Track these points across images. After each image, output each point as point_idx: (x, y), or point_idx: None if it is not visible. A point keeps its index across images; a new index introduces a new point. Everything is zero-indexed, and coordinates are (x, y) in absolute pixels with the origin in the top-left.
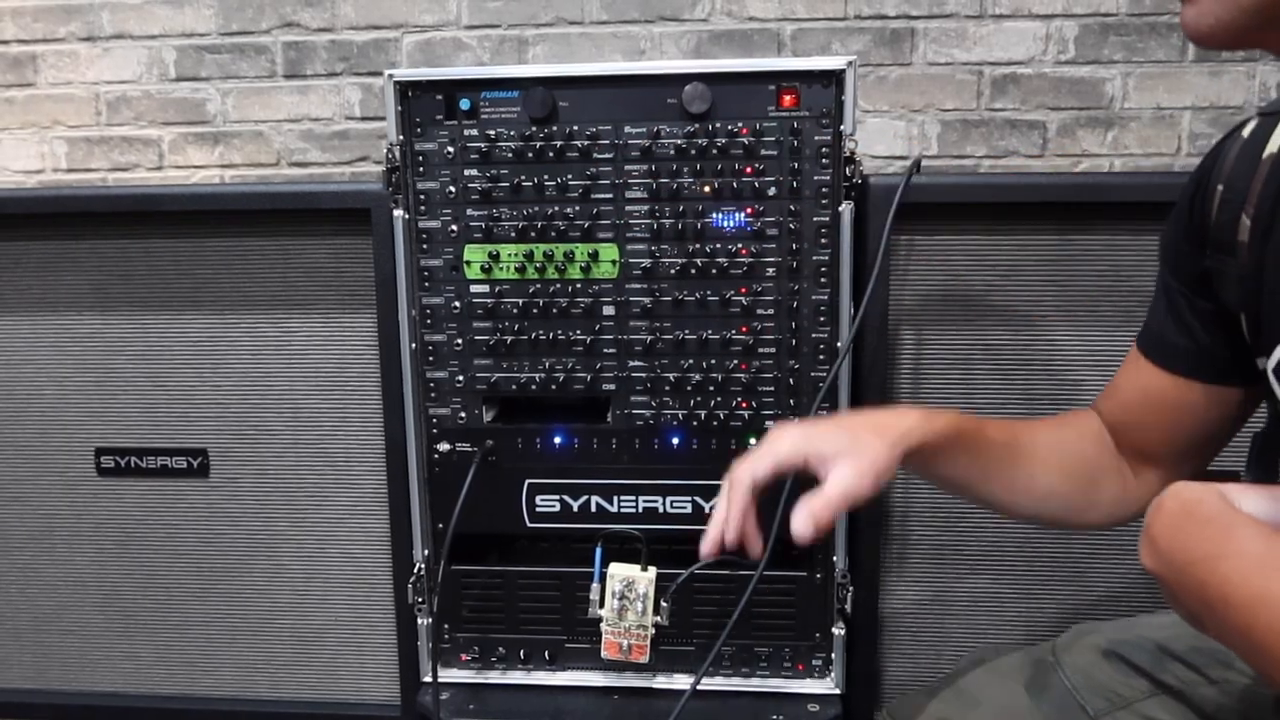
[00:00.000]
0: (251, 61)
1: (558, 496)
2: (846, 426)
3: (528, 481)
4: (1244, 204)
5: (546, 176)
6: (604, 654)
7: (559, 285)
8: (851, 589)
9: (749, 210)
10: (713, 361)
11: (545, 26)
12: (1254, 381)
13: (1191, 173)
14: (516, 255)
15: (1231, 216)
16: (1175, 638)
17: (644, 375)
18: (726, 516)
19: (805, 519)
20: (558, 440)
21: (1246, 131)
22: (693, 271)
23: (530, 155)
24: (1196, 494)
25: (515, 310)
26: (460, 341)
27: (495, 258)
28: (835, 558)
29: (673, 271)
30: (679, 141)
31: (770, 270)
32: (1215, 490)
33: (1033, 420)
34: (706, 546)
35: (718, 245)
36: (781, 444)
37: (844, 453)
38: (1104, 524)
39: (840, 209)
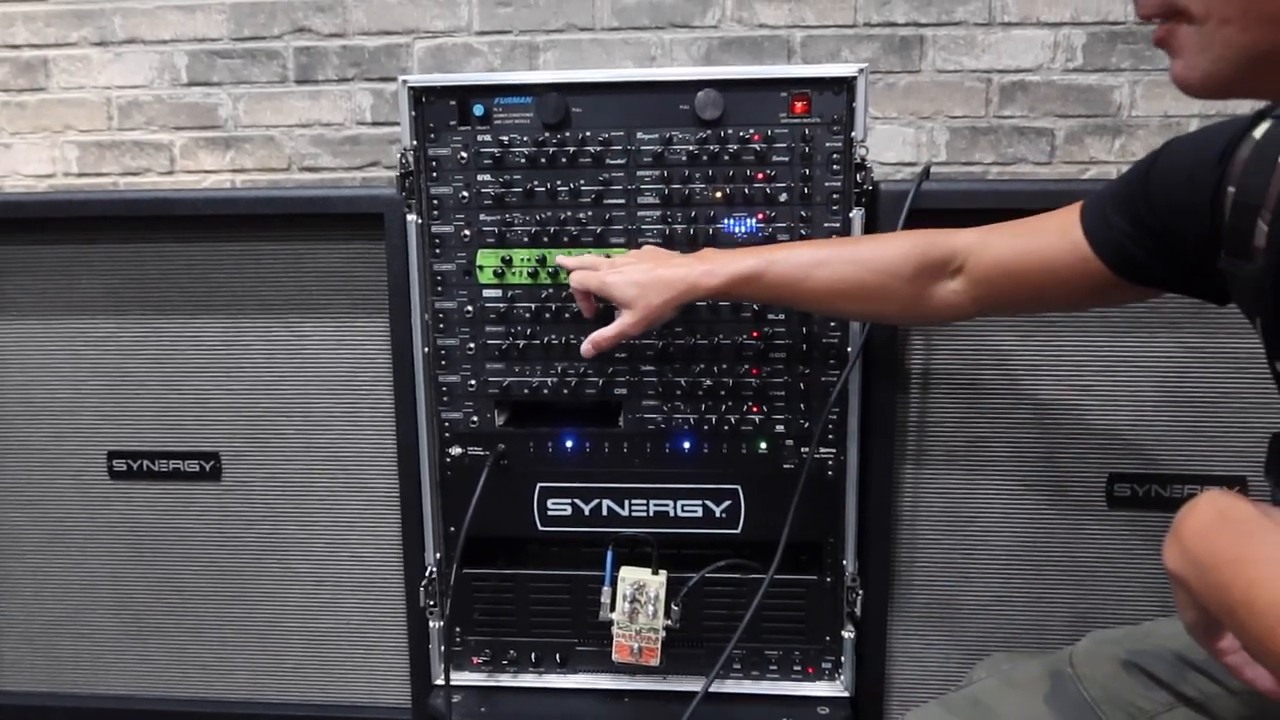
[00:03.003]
0: (263, 67)
1: (569, 500)
2: (642, 279)
3: (539, 485)
4: (1260, 208)
5: (559, 182)
6: (615, 657)
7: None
8: (861, 592)
9: (760, 216)
10: (724, 366)
11: (556, 33)
12: (1163, 287)
13: (1189, 163)
14: (529, 260)
15: (1246, 221)
16: (1192, 646)
17: (655, 380)
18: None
19: (589, 344)
20: (569, 444)
21: (1259, 133)
22: None
23: (543, 161)
24: (1232, 500)
25: (527, 315)
26: (473, 346)
27: (508, 262)
28: (845, 561)
29: None
30: (691, 147)
31: None
32: (1251, 502)
33: (839, 251)
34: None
35: None
36: (592, 281)
37: (631, 303)
38: (898, 325)
39: (851, 215)
